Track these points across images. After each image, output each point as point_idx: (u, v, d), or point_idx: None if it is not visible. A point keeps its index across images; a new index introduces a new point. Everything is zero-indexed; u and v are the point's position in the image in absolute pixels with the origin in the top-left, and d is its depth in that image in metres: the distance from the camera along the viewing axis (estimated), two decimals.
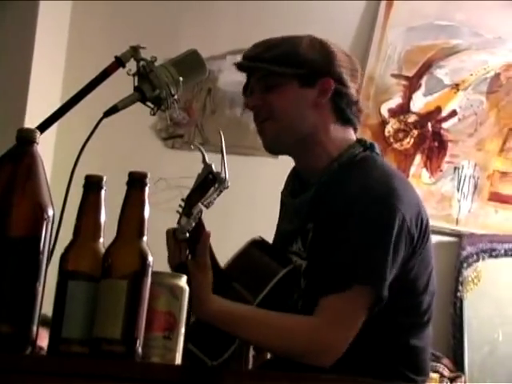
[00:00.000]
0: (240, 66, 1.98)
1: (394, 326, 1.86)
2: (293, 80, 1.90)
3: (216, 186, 1.71)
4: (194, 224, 1.71)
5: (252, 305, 1.85)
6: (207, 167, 1.73)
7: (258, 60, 1.92)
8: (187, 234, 1.71)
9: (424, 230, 1.89)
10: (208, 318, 1.79)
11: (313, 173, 1.93)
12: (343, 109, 1.93)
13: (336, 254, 1.80)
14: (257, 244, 1.96)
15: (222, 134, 1.83)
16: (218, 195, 1.74)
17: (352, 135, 1.96)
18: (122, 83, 1.74)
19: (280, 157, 3.44)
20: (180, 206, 1.73)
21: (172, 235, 1.76)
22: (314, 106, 1.91)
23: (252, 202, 3.37)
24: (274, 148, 1.98)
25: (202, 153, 1.78)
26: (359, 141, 1.96)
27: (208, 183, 1.71)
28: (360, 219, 1.80)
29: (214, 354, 1.79)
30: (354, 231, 1.80)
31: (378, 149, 1.97)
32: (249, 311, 1.83)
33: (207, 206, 1.73)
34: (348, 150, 1.92)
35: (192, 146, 1.91)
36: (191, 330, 1.79)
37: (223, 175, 1.72)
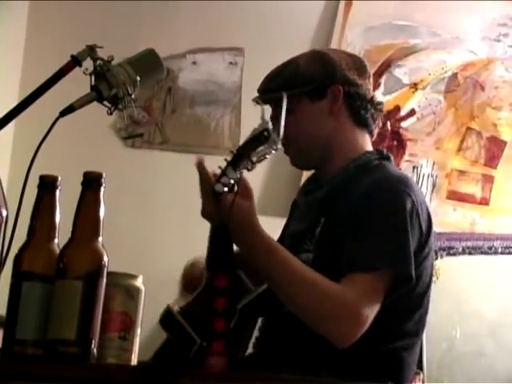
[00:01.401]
0: (256, 101, 2.07)
1: (388, 331, 1.87)
2: (303, 98, 1.99)
3: (267, 144, 1.66)
4: (238, 177, 1.65)
5: (253, 294, 1.85)
6: (264, 123, 1.68)
7: (266, 91, 2.02)
8: (226, 189, 1.63)
9: (429, 229, 1.92)
10: (260, 244, 1.74)
11: (330, 175, 2.00)
12: (358, 109, 2.01)
13: (358, 237, 1.82)
14: None
15: (284, 95, 1.83)
16: (267, 155, 1.69)
17: (369, 142, 2.04)
18: (78, 82, 1.73)
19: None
20: (225, 159, 1.67)
21: (211, 188, 1.67)
22: (330, 114, 1.99)
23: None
24: (299, 165, 2.10)
25: (262, 108, 1.76)
26: (377, 150, 2.05)
27: (261, 139, 1.66)
28: (376, 208, 1.84)
29: (205, 338, 1.77)
30: (373, 219, 1.83)
31: (392, 161, 2.05)
32: (291, 257, 1.80)
33: (253, 164, 1.67)
34: (365, 155, 1.99)
35: (255, 103, 1.94)
36: (190, 308, 1.79)
37: (277, 137, 1.67)
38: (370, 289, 1.78)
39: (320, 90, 1.98)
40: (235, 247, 1.77)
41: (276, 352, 1.91)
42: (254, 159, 1.65)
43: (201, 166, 1.72)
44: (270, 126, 1.67)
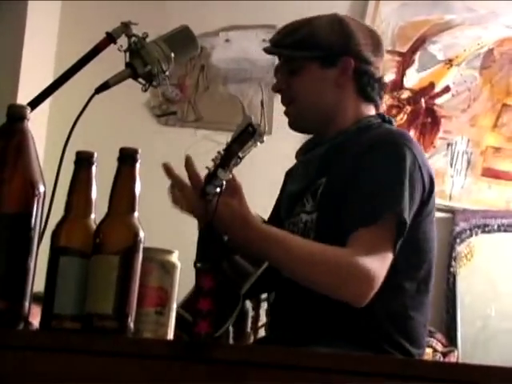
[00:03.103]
0: (266, 50, 2.08)
1: (397, 291, 1.88)
2: (313, 62, 1.98)
3: (254, 139, 1.67)
4: (230, 177, 1.66)
5: (253, 276, 1.86)
6: (247, 119, 1.68)
7: (279, 45, 2.02)
8: (218, 189, 1.65)
9: (431, 187, 1.92)
10: (255, 236, 1.76)
11: (330, 135, 2.00)
12: (365, 86, 2.00)
13: (356, 194, 1.84)
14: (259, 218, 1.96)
15: (262, 86, 1.84)
16: (250, 150, 1.69)
17: (372, 111, 2.03)
18: (113, 59, 1.74)
19: (274, 133, 3.47)
20: (212, 159, 1.68)
21: (200, 189, 1.68)
22: (336, 85, 1.99)
23: (248, 177, 3.38)
24: (296, 127, 2.05)
25: (242, 104, 1.76)
26: (379, 114, 2.04)
27: (247, 135, 1.67)
28: (375, 159, 1.86)
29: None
30: (370, 170, 1.85)
31: (394, 124, 2.06)
32: (291, 237, 1.83)
33: (240, 160, 1.68)
34: (367, 118, 2.00)
35: (254, 89, 1.92)
36: (189, 300, 1.80)
37: (262, 128, 1.68)
38: (375, 242, 1.79)
39: (332, 58, 1.97)
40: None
41: (289, 324, 1.92)
42: (242, 155, 1.66)
43: (190, 168, 1.72)
44: (253, 120, 1.67)
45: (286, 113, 2.03)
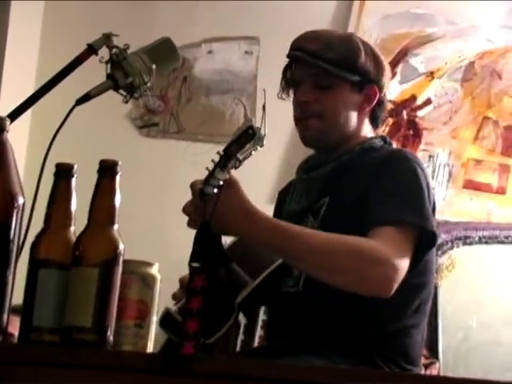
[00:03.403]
0: (296, 58, 2.02)
1: (401, 309, 1.88)
2: (346, 84, 1.99)
3: (253, 141, 1.67)
4: (227, 177, 1.65)
5: (250, 287, 1.85)
6: (248, 121, 1.68)
7: (317, 57, 1.97)
8: (215, 190, 1.64)
9: (434, 206, 1.94)
10: (262, 227, 1.73)
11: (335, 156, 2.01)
12: (378, 114, 2.07)
13: (379, 196, 1.85)
14: None
15: (265, 91, 1.82)
16: (251, 153, 1.69)
17: (373, 132, 2.08)
18: (95, 71, 1.73)
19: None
20: (212, 160, 1.68)
21: (198, 190, 1.67)
22: (358, 110, 2.01)
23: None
24: (314, 143, 2.04)
25: (244, 107, 1.75)
26: (381, 136, 2.09)
27: (247, 137, 1.66)
28: (393, 172, 1.89)
29: (205, 332, 1.77)
30: (391, 181, 1.87)
31: (394, 145, 2.16)
32: (303, 228, 1.81)
33: (240, 162, 1.68)
34: (370, 140, 2.03)
35: (235, 101, 1.90)
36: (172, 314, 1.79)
37: (262, 132, 1.68)
38: (397, 240, 1.78)
39: (362, 84, 2.00)
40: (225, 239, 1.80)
41: (287, 337, 1.91)
42: (241, 157, 1.66)
43: (193, 184, 1.71)
44: (254, 123, 1.67)
45: (303, 125, 2.01)
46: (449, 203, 3.56)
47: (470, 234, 3.48)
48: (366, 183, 1.88)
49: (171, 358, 1.19)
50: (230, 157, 1.64)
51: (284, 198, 2.13)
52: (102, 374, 1.18)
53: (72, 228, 1.33)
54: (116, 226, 1.30)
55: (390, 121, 3.58)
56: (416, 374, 1.79)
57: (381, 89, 2.03)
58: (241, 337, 1.85)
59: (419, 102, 3.59)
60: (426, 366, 3.25)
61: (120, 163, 1.33)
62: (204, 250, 1.51)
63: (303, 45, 2.00)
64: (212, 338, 1.78)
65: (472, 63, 3.59)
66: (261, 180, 3.34)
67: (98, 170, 1.32)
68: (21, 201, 1.29)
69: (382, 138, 2.07)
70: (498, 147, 3.57)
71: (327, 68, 1.96)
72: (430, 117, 3.59)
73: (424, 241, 1.83)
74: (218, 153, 1.65)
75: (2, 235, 1.26)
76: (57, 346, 1.25)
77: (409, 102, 3.59)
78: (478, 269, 3.48)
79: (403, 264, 1.76)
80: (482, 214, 3.55)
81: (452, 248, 3.47)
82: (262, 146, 1.67)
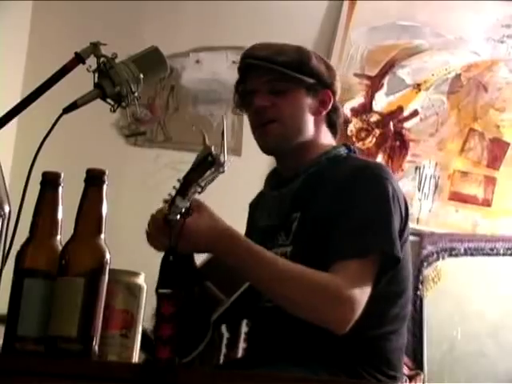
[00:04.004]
0: (249, 65, 2.01)
1: (380, 318, 1.89)
2: (301, 87, 1.99)
3: (214, 168, 1.68)
4: (188, 205, 1.67)
5: (225, 305, 1.85)
6: (207, 149, 1.69)
7: (271, 62, 1.98)
8: (178, 216, 1.66)
9: (406, 217, 1.94)
10: (235, 248, 1.76)
11: (298, 170, 2.00)
12: (335, 120, 2.06)
13: (345, 225, 1.84)
14: None
15: (224, 117, 1.82)
16: (213, 179, 1.70)
17: (333, 140, 2.08)
18: (82, 80, 1.73)
19: (243, 155, 3.47)
20: (174, 187, 1.69)
21: (160, 216, 1.70)
22: (314, 115, 2.01)
23: (219, 198, 3.38)
24: (273, 149, 2.02)
25: (203, 134, 1.75)
26: (344, 144, 2.07)
27: (207, 164, 1.67)
28: (359, 193, 1.87)
29: (180, 351, 1.77)
30: (357, 203, 1.86)
31: (358, 155, 2.10)
32: (269, 253, 1.82)
33: (202, 188, 1.69)
34: (335, 149, 2.03)
35: (194, 128, 1.89)
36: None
37: (222, 158, 1.69)
38: (360, 274, 1.79)
39: (316, 88, 2.00)
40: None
41: (267, 349, 1.91)
42: (202, 184, 1.67)
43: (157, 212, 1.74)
44: (213, 150, 1.68)
45: (261, 132, 1.99)
46: (435, 215, 3.57)
47: (455, 246, 3.49)
48: (334, 203, 1.87)
49: (156, 369, 1.18)
50: (189, 184, 1.66)
51: (254, 212, 2.13)
52: None
53: (58, 237, 1.32)
54: (102, 236, 1.30)
55: (377, 132, 3.59)
56: None
57: (334, 94, 2.04)
58: (223, 350, 1.84)
59: (406, 113, 3.60)
60: (411, 377, 3.25)
61: (107, 172, 1.32)
62: (171, 275, 1.51)
63: (254, 53, 2.01)
64: (189, 356, 1.77)
65: (458, 75, 3.60)
66: (246, 189, 3.35)
67: (85, 179, 1.32)
68: (7, 209, 1.28)
69: (346, 145, 2.06)
70: (484, 159, 3.59)
71: (281, 71, 1.96)
72: (416, 128, 3.60)
73: (387, 264, 1.83)
74: (179, 180, 1.67)
75: None
76: (41, 355, 1.24)
77: (396, 114, 3.60)
78: (464, 280, 3.49)
79: (363, 299, 1.78)
80: (468, 225, 3.56)
81: (438, 259, 3.48)
82: (222, 172, 1.69)
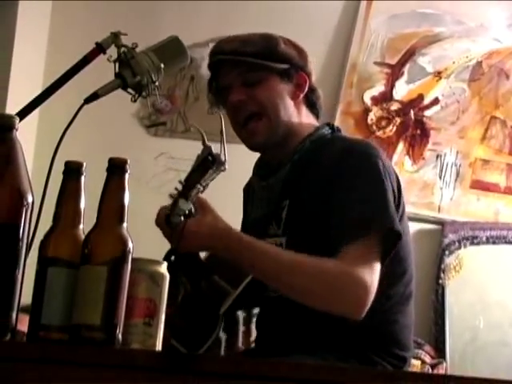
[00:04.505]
0: (218, 61, 1.99)
1: (383, 299, 1.87)
2: (274, 75, 1.96)
3: (215, 167, 1.68)
4: (191, 206, 1.68)
5: (232, 296, 1.85)
6: (207, 149, 1.70)
7: (239, 54, 1.94)
8: (182, 218, 1.67)
9: (399, 192, 1.92)
10: (239, 246, 1.77)
11: (284, 157, 1.97)
12: (314, 102, 2.03)
13: (340, 209, 1.83)
14: None
15: (222, 116, 1.82)
16: (214, 177, 1.71)
17: (316, 121, 2.05)
18: (103, 70, 1.73)
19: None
20: (176, 188, 1.70)
21: (164, 220, 1.71)
22: (292, 99, 1.98)
23: (234, 189, 3.38)
24: (263, 146, 1.99)
25: (202, 134, 1.76)
26: (327, 124, 2.04)
27: (207, 164, 1.68)
28: (350, 173, 1.85)
29: (192, 344, 1.79)
30: (350, 184, 1.84)
31: (343, 133, 2.06)
32: (273, 247, 1.83)
33: (204, 188, 1.70)
34: (318, 131, 1.99)
35: (192, 129, 1.88)
36: (169, 319, 1.80)
37: (222, 157, 1.70)
38: (367, 255, 1.79)
39: (290, 73, 1.97)
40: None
41: (277, 340, 1.91)
42: (204, 184, 1.67)
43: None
44: (213, 150, 1.68)
45: (249, 131, 1.96)
46: (456, 203, 3.56)
47: (477, 234, 3.48)
48: (325, 186, 1.86)
49: (180, 357, 1.19)
50: (191, 186, 1.67)
51: (247, 198, 2.13)
52: (111, 372, 1.18)
53: (81, 226, 1.33)
54: (125, 225, 1.30)
55: (398, 120, 3.57)
56: (424, 374, 1.79)
57: (309, 75, 2.01)
58: (223, 352, 1.85)
59: (427, 101, 3.59)
60: (433, 366, 3.25)
61: (129, 162, 1.32)
62: (171, 275, 1.53)
63: (221, 48, 1.99)
64: (200, 349, 1.78)
65: (479, 63, 3.58)
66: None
67: (107, 169, 1.32)
68: (30, 199, 1.29)
69: (328, 125, 2.03)
70: (506, 147, 3.57)
71: (250, 61, 1.93)
72: (437, 116, 3.59)
73: (389, 241, 1.82)
74: (180, 182, 1.68)
75: (11, 234, 1.26)
76: (65, 344, 1.25)
77: (416, 102, 3.59)
78: (486, 269, 3.48)
79: (374, 279, 1.78)
80: (490, 213, 3.55)
81: (459, 248, 3.47)
82: (223, 170, 1.69)
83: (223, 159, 1.69)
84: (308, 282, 1.77)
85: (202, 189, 1.69)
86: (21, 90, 3.13)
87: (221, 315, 1.85)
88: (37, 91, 1.78)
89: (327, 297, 1.77)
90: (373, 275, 1.77)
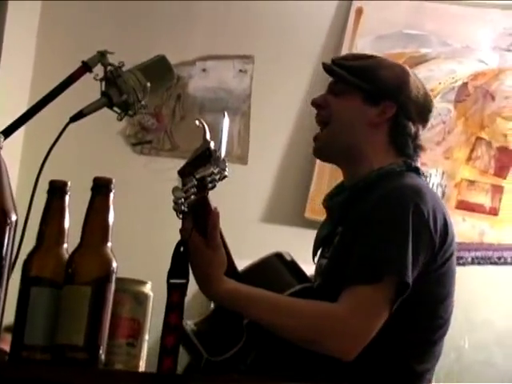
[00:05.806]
0: (323, 67, 2.03)
1: (402, 344, 1.84)
2: (358, 93, 1.94)
3: (211, 162, 1.68)
4: (185, 195, 1.66)
5: None
6: (206, 143, 1.70)
7: (338, 65, 1.99)
8: (186, 208, 1.65)
9: (445, 238, 1.88)
10: (220, 297, 1.75)
11: (348, 182, 1.97)
12: (398, 137, 1.94)
13: (358, 250, 1.80)
14: (280, 257, 1.95)
15: (225, 114, 1.82)
16: (215, 176, 1.70)
17: (397, 158, 1.95)
18: (89, 88, 1.73)
19: (249, 163, 3.47)
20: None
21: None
22: (369, 124, 1.93)
23: (225, 207, 3.38)
24: (321, 153, 2.01)
25: (204, 128, 1.76)
26: (405, 161, 1.95)
27: (204, 158, 1.68)
28: (379, 216, 1.81)
29: (215, 351, 1.76)
30: (374, 227, 1.81)
31: (421, 173, 1.97)
32: (269, 294, 1.80)
33: (201, 182, 1.68)
34: (390, 165, 1.93)
35: (197, 122, 1.87)
36: (200, 325, 1.79)
37: (220, 155, 1.69)
38: (370, 300, 1.76)
39: (378, 97, 1.93)
40: None
41: (273, 364, 1.90)
42: (198, 177, 1.67)
43: None
44: (212, 145, 1.68)
45: (315, 135, 1.98)
46: None
47: (462, 255, 3.48)
48: (357, 225, 1.83)
49: (163, 378, 1.18)
50: (184, 176, 1.66)
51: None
52: None
53: (65, 246, 1.32)
54: (109, 244, 1.30)
55: None
56: None
57: (402, 110, 1.93)
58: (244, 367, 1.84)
59: None
60: None
61: (114, 181, 1.32)
62: (181, 266, 1.53)
63: (339, 57, 2.06)
64: (219, 357, 1.76)
65: (465, 84, 3.60)
66: (253, 199, 3.35)
67: (92, 188, 1.32)
68: (14, 218, 1.28)
69: (406, 163, 1.93)
70: (491, 168, 3.58)
71: (338, 72, 1.96)
72: (423, 137, 3.59)
73: (400, 289, 1.78)
74: (178, 173, 1.68)
75: None
76: (48, 364, 1.24)
77: None
78: (471, 289, 3.48)
79: (371, 326, 1.75)
80: (475, 234, 3.55)
81: None
82: (224, 169, 1.68)
83: (220, 157, 1.69)
84: (295, 327, 1.76)
85: (195, 182, 1.68)
86: (6, 108, 3.11)
87: (244, 326, 1.84)
88: (23, 109, 1.77)
89: (314, 341, 1.76)
90: (371, 322, 1.75)
